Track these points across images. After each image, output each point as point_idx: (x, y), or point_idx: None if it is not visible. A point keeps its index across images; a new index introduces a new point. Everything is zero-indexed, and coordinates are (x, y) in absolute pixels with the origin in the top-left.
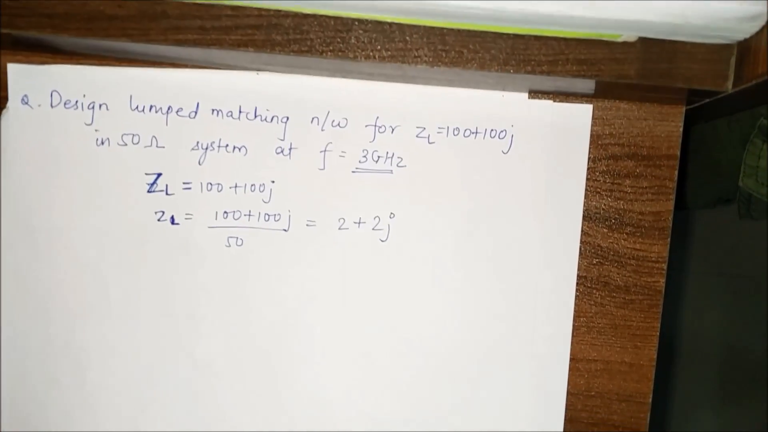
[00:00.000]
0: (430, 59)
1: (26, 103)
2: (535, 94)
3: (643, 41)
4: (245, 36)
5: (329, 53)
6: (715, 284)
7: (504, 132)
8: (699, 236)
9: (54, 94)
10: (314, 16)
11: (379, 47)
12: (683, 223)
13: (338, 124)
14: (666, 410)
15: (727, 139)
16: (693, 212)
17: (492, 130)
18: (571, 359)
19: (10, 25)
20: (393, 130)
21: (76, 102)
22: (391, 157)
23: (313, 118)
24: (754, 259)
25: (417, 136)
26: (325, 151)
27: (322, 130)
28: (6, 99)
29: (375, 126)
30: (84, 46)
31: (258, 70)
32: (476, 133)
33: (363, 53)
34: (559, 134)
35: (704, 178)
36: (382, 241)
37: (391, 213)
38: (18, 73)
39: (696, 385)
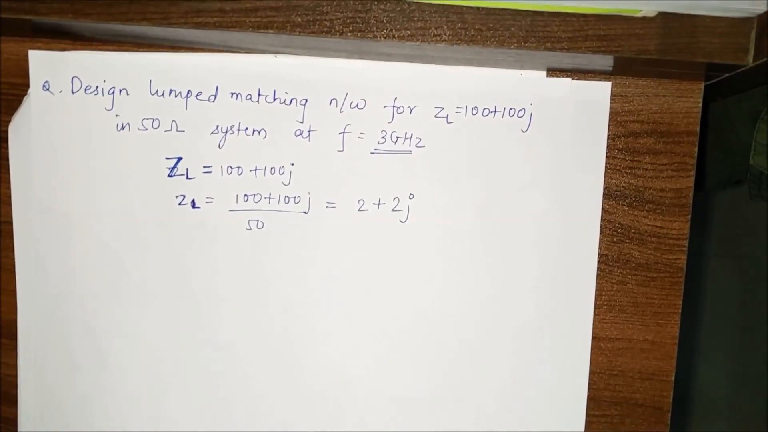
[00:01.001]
0: (450, 38)
1: (47, 90)
2: (553, 72)
3: (663, 16)
4: (265, 18)
5: (349, 33)
6: (729, 266)
7: (523, 110)
8: (714, 218)
9: (74, 80)
10: None
11: (398, 26)
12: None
13: (357, 106)
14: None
15: (737, 118)
16: (705, 194)
17: (511, 108)
18: (593, 338)
19: (32, 12)
20: (411, 110)
21: (96, 87)
22: (410, 138)
23: (331, 100)
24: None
25: (435, 116)
26: (343, 132)
27: (341, 111)
28: (27, 85)
29: (393, 107)
30: (103, 32)
31: (276, 53)
32: (495, 112)
33: (382, 33)
34: (578, 112)
35: (715, 157)
36: (402, 221)
37: (411, 194)
38: (39, 59)
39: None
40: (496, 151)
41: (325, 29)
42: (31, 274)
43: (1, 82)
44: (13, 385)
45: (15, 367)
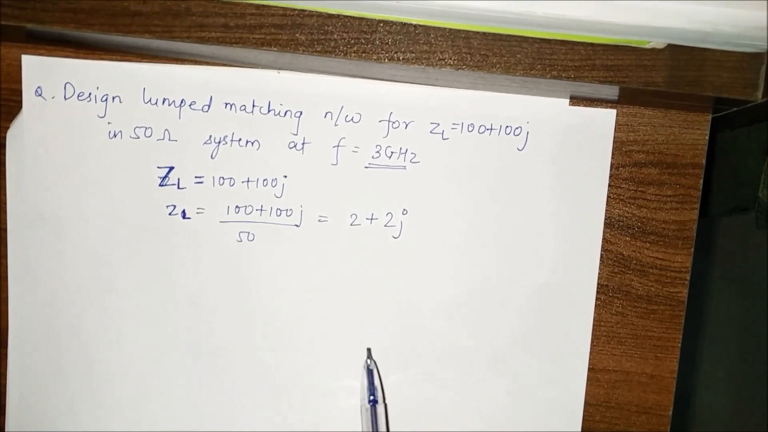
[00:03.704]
0: (455, 62)
1: (40, 95)
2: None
3: (672, 48)
4: (269, 35)
5: (353, 54)
6: (731, 290)
7: (519, 129)
8: (717, 243)
9: (67, 86)
10: (338, 16)
11: (403, 49)
12: (704, 231)
13: (351, 119)
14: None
15: (746, 149)
16: (710, 219)
17: (507, 126)
18: (590, 369)
19: (35, 20)
20: (407, 125)
21: (89, 94)
22: (405, 153)
23: (326, 113)
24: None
25: (431, 132)
26: (338, 146)
27: (336, 125)
28: (19, 91)
29: (389, 121)
30: (105, 43)
31: (279, 69)
32: (491, 129)
33: (387, 55)
34: (580, 137)
35: (722, 186)
36: (395, 237)
37: (404, 209)
38: (32, 65)
39: (714, 390)
40: (491, 168)
41: (329, 49)
42: (23, 282)
43: (1, 88)
44: (2, 394)
45: (4, 375)
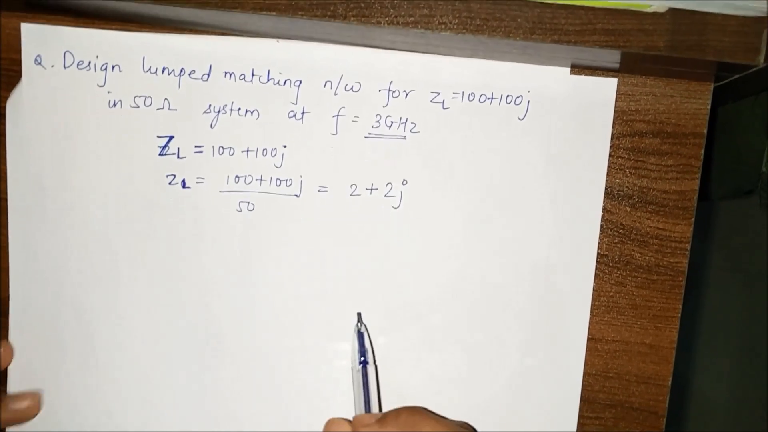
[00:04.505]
0: (455, 26)
1: (39, 64)
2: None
3: (673, 12)
4: (268, 0)
5: (352, 18)
6: (732, 278)
7: (520, 98)
8: (719, 230)
9: (67, 54)
10: None
11: (403, 13)
12: (704, 217)
13: (351, 89)
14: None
15: (748, 123)
16: (711, 203)
17: (508, 95)
18: (590, 339)
19: None
20: (407, 94)
21: (89, 63)
22: (405, 123)
23: (326, 82)
24: None
25: (431, 101)
26: (337, 115)
27: (335, 94)
28: (19, 61)
29: (389, 90)
30: (106, 11)
31: (278, 38)
32: (492, 98)
33: (386, 19)
34: (581, 106)
35: (725, 165)
36: (395, 208)
37: (404, 180)
38: (31, 33)
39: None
40: (492, 138)
41: (329, 13)
42: (23, 251)
43: (1, 57)
44: None
45: None
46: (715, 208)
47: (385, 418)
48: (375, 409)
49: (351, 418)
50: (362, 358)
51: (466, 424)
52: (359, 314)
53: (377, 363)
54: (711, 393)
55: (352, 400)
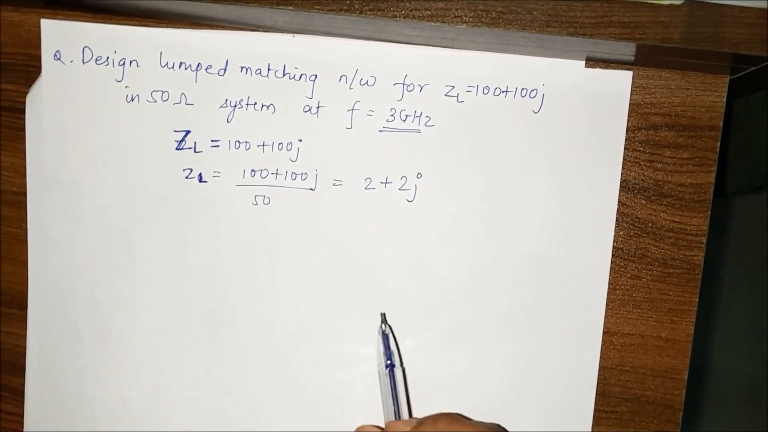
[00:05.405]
0: (471, 19)
1: (58, 59)
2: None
3: (689, 4)
4: None
5: (368, 12)
6: (749, 275)
7: (535, 91)
8: (734, 226)
9: (86, 50)
10: None
11: (418, 6)
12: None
13: (366, 83)
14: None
15: (761, 117)
16: (725, 200)
17: (523, 89)
18: (605, 332)
19: None
20: (421, 88)
21: (107, 58)
22: (419, 116)
23: (341, 77)
24: None
25: (446, 95)
26: (352, 109)
27: (350, 88)
28: (39, 57)
29: (403, 84)
30: (124, 8)
31: (294, 32)
32: (506, 92)
33: (402, 12)
34: (596, 99)
35: (737, 161)
36: (409, 201)
37: (419, 173)
38: (51, 28)
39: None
40: (506, 131)
41: (345, 7)
42: (41, 245)
43: (22, 53)
44: (22, 356)
45: (24, 338)
46: (730, 204)
47: (422, 424)
48: (405, 414)
49: (382, 425)
50: (388, 361)
51: (498, 425)
52: (383, 315)
53: (404, 365)
54: (727, 387)
55: (380, 404)
